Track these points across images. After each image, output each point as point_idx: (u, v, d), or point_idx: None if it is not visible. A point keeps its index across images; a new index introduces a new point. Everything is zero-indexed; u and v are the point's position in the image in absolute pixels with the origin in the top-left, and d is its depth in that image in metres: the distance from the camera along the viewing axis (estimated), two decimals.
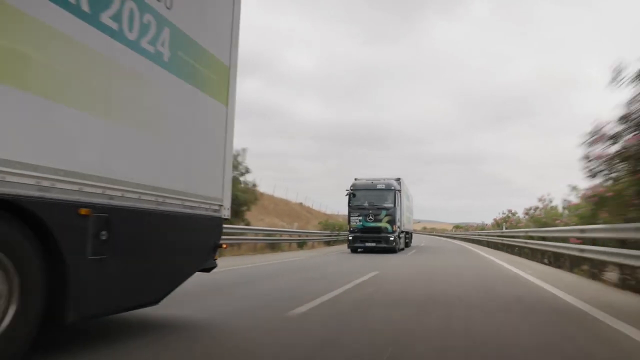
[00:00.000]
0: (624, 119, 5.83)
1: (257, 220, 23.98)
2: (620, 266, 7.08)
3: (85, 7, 2.98)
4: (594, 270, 8.43)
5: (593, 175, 6.35)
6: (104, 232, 3.13)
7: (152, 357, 3.25)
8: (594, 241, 8.29)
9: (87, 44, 3.02)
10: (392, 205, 19.59)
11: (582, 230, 8.85)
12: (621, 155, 5.86)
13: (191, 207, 4.17)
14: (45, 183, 2.73)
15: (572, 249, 9.64)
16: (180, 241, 4.09)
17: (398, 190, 20.12)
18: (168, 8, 3.80)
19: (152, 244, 3.72)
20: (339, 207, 47.75)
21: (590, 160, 6.27)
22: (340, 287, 7.04)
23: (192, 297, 5.50)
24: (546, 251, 12.58)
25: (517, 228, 20.02)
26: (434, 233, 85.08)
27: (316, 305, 5.36)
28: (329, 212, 52.53)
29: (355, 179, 20.85)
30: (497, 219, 29.20)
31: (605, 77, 5.87)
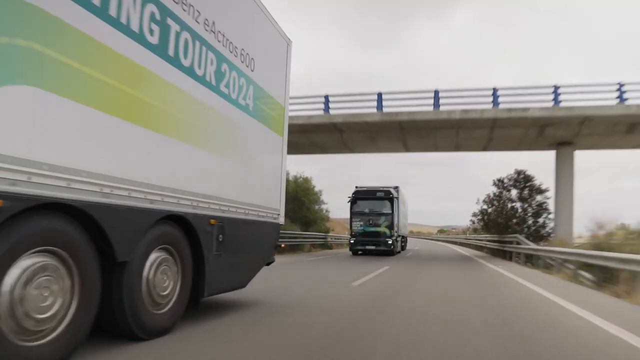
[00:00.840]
0: (479, 212, 24.92)
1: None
2: (492, 249, 24.11)
3: (213, 81, 4.35)
4: (488, 250, 25.86)
5: (473, 223, 28.95)
6: (221, 236, 4.48)
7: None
8: (489, 241, 24.94)
9: (213, 106, 4.39)
10: (390, 211, 21.01)
11: (487, 237, 25.40)
12: (480, 221, 25.59)
13: (262, 216, 5.53)
14: (195, 203, 4.08)
15: (482, 243, 27.62)
16: (257, 241, 5.45)
17: (396, 198, 21.55)
18: (252, 70, 5.17)
19: (243, 243, 5.08)
20: (334, 209, 49.73)
21: (472, 220, 27.43)
22: (409, 251, 26.82)
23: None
24: (480, 245, 28.79)
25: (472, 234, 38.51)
26: (421, 236, 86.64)
27: (410, 255, 22.97)
28: (336, 217, 55.65)
29: (356, 187, 22.24)
30: (463, 228, 47.95)
31: None
